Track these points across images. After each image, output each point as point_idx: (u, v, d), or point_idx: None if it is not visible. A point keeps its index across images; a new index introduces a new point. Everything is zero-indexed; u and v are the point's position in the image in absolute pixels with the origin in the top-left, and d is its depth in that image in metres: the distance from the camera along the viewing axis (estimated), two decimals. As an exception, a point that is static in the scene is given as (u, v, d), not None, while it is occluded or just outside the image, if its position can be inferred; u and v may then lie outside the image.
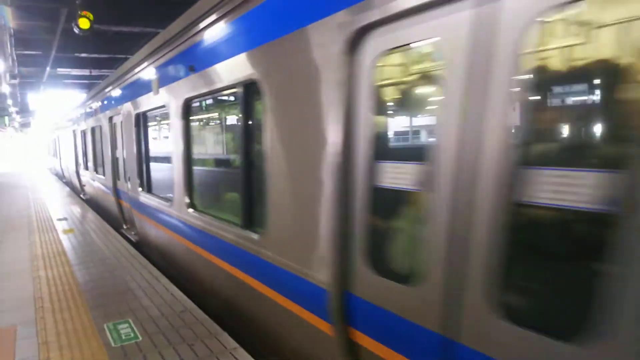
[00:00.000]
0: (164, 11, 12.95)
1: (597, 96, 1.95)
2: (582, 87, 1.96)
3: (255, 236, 3.50)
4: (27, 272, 5.49)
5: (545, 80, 1.88)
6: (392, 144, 2.83)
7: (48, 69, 16.98)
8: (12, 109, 23.50)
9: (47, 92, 25.25)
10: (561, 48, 1.82)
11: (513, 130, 1.78)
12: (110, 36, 15.76)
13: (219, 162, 4.85)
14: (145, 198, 6.36)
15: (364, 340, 2.55)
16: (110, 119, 8.40)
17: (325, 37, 2.59)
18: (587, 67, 1.81)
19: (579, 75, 1.87)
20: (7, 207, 11.41)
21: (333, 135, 2.58)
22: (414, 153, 2.28)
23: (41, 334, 3.72)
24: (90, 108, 10.86)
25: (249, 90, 3.57)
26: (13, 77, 11.65)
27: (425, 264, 2.13)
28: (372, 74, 2.37)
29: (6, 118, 28.03)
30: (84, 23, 7.42)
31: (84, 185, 12.61)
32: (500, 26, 1.78)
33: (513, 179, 1.78)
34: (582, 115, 1.95)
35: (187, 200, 4.76)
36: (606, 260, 1.56)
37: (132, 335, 3.61)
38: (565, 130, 2.03)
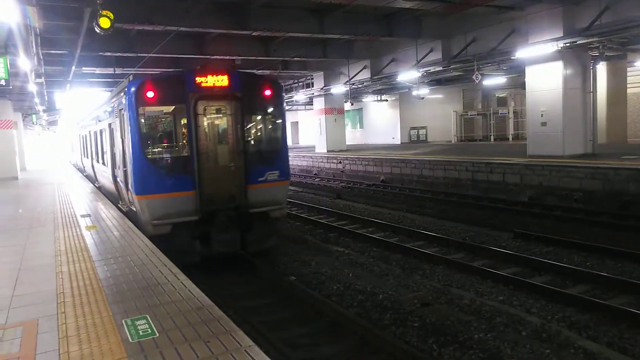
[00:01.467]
0: (184, 10, 13.08)
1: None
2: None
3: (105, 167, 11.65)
4: (51, 266, 5.63)
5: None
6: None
7: (73, 67, 17.32)
8: (39, 107, 24.00)
9: (73, 90, 25.73)
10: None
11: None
12: (133, 35, 16.00)
13: (103, 149, 11.68)
14: (95, 162, 14.11)
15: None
16: (89, 132, 15.20)
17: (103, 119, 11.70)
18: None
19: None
20: (35, 203, 11.71)
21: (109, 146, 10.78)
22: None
23: (62, 328, 3.80)
24: (85, 125, 17.45)
25: (102, 131, 11.70)
26: (38, 76, 11.90)
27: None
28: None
29: (34, 116, 28.69)
30: (105, 22, 7.53)
31: (85, 167, 18.93)
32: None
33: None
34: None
35: (93, 159, 14.45)
36: None
37: (150, 331, 3.66)
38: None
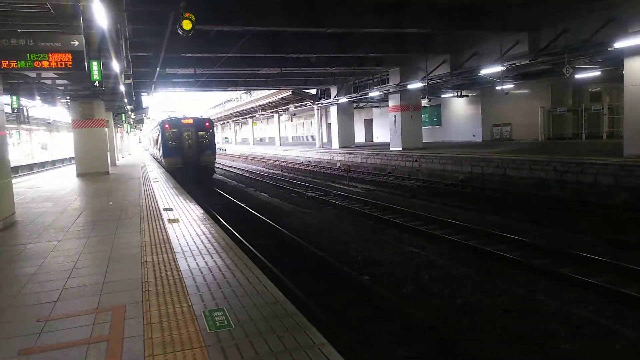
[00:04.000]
0: (260, 10, 13.35)
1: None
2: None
3: (158, 153, 28.35)
4: (137, 257, 5.95)
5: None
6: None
7: (158, 69, 18.31)
8: (128, 107, 25.72)
9: (157, 90, 27.40)
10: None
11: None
12: (213, 36, 16.59)
13: (157, 143, 28.95)
14: (155, 149, 32.86)
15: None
16: (153, 136, 35.72)
17: (155, 132, 34.07)
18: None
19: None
20: (123, 196, 12.52)
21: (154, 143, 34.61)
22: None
23: (146, 315, 3.98)
24: (152, 131, 37.28)
25: (156, 137, 29.62)
26: (127, 77, 12.71)
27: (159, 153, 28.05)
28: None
29: (123, 115, 30.81)
30: (187, 24, 7.82)
31: (155, 153, 32.46)
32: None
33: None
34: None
35: (155, 149, 32.29)
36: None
37: (226, 323, 3.73)
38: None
